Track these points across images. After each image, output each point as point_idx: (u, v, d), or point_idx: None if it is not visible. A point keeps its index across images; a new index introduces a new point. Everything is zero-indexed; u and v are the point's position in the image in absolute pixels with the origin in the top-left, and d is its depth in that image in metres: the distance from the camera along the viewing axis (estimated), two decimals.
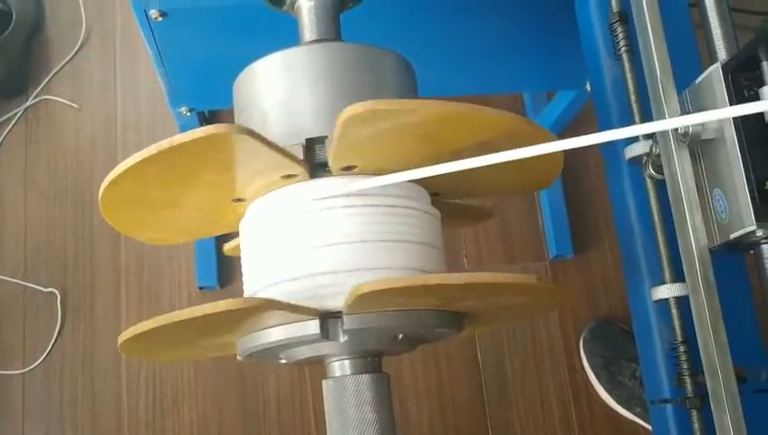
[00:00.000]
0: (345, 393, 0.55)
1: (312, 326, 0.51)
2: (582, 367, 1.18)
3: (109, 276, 1.21)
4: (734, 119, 0.48)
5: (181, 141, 0.44)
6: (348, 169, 0.53)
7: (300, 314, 0.49)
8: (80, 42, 1.35)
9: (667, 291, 0.56)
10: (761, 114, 0.47)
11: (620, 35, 0.62)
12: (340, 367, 0.56)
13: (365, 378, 0.55)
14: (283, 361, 0.58)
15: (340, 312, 0.50)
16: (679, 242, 0.53)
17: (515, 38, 0.89)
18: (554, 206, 1.22)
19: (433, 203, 0.59)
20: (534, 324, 1.19)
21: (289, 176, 0.52)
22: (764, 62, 0.47)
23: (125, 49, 1.35)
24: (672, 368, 0.57)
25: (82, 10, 1.35)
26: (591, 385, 1.17)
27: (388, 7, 0.79)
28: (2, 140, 1.29)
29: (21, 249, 1.23)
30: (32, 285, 1.19)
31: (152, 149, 0.45)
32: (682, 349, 0.55)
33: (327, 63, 0.57)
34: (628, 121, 0.62)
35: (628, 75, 0.61)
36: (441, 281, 0.45)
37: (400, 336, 0.55)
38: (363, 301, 0.47)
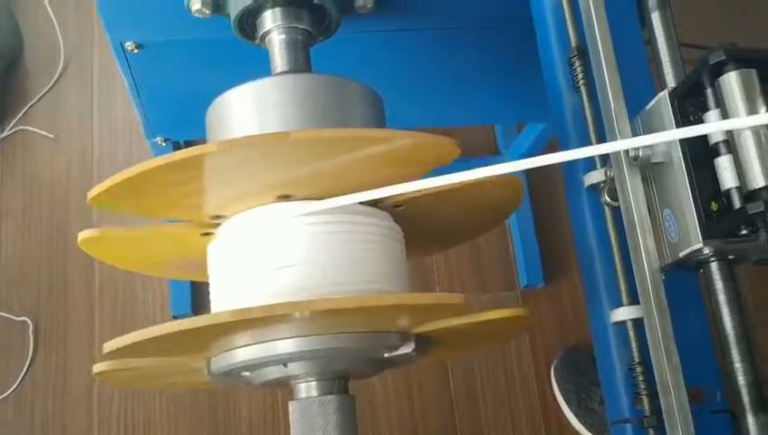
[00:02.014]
0: (311, 414, 0.56)
1: (283, 346, 0.52)
2: (553, 394, 1.19)
3: (82, 306, 1.21)
4: (680, 142, 0.50)
5: (196, 153, 0.45)
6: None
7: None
8: (58, 73, 1.36)
9: (624, 313, 0.58)
10: (705, 137, 0.49)
11: (578, 69, 0.65)
12: (306, 388, 0.57)
13: (330, 399, 0.56)
14: (251, 382, 0.59)
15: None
16: (633, 264, 0.55)
17: (484, 72, 0.92)
18: (525, 235, 1.25)
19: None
20: (506, 352, 1.21)
21: (285, 196, 0.54)
22: (708, 89, 0.49)
23: (102, 81, 1.37)
24: (631, 388, 0.59)
25: (61, 42, 1.37)
26: (562, 412, 1.18)
27: (358, 43, 0.81)
28: None
29: None
30: (4, 314, 1.19)
31: (158, 161, 0.46)
32: (639, 369, 0.57)
33: (297, 93, 0.59)
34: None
35: (587, 106, 0.64)
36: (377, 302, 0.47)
37: (367, 358, 0.57)
38: (319, 319, 0.49)
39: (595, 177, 0.62)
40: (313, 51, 0.71)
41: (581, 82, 0.64)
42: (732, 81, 0.47)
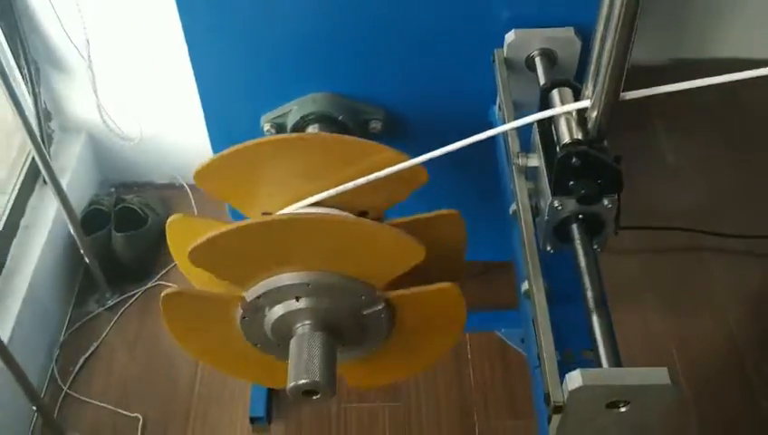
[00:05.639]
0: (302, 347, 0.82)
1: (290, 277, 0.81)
2: None
3: (182, 408, 1.48)
4: (540, 149, 0.79)
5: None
6: None
7: None
8: None
9: (525, 284, 0.80)
10: (552, 138, 0.78)
11: None
12: (302, 329, 0.83)
13: (318, 334, 0.82)
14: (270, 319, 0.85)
15: None
16: (520, 246, 0.80)
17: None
18: None
19: None
20: None
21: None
22: None
23: None
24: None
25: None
26: None
27: None
28: (123, 310, 1.68)
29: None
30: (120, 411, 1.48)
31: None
32: None
33: None
34: None
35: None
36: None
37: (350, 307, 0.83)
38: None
39: (513, 206, 0.89)
40: None
41: None
42: (554, 94, 0.77)
